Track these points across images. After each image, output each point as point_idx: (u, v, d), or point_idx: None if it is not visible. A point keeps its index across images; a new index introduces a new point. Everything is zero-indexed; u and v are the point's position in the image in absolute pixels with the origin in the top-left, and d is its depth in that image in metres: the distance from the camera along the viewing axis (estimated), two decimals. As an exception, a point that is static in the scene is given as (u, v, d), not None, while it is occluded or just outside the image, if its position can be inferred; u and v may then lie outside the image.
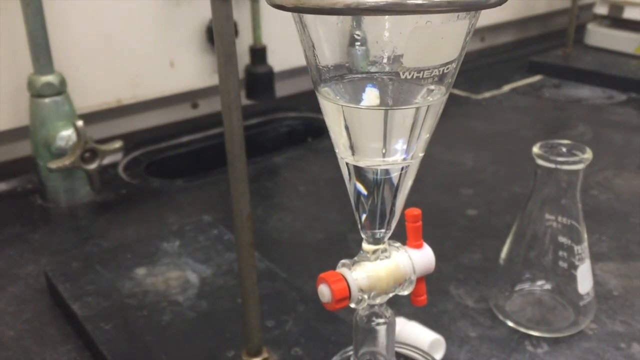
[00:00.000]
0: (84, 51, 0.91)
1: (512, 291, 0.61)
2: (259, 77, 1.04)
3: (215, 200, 0.85)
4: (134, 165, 0.96)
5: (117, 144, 0.79)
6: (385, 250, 0.35)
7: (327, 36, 0.32)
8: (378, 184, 0.34)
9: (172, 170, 0.98)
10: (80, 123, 0.75)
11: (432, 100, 0.32)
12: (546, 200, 0.58)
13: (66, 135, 0.78)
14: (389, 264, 0.35)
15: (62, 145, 0.78)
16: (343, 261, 0.35)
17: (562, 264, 0.59)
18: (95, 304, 0.59)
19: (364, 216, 0.35)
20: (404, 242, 0.37)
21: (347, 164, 0.34)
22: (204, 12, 1.00)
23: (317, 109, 1.22)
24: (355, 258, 0.35)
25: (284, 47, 1.10)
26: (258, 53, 1.03)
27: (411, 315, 0.59)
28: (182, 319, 0.57)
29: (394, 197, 0.35)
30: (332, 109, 0.33)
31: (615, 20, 1.39)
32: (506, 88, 1.26)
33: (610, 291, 0.64)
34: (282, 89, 1.16)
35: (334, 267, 0.70)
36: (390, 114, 0.32)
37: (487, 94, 1.23)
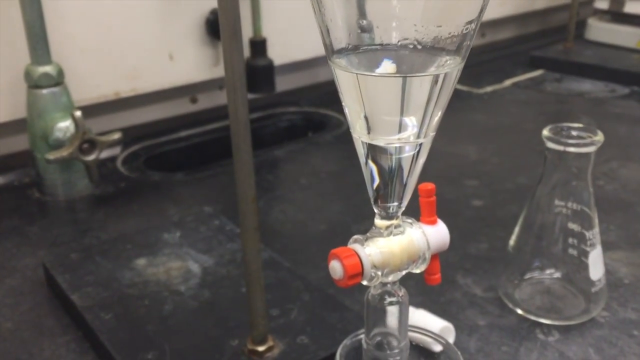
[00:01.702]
0: (82, 43, 0.90)
1: (521, 279, 0.60)
2: (259, 70, 1.03)
3: (216, 192, 0.84)
4: (132, 159, 0.94)
5: (116, 135, 0.78)
6: (398, 226, 0.34)
7: (340, 4, 0.31)
8: (392, 162, 0.33)
9: (171, 165, 0.97)
10: (78, 113, 0.74)
11: (449, 68, 0.31)
12: (556, 186, 0.56)
13: (64, 126, 0.77)
14: (403, 240, 0.33)
15: (60, 137, 0.77)
16: (355, 237, 0.34)
17: (572, 252, 0.57)
18: (95, 294, 0.57)
19: (377, 191, 0.34)
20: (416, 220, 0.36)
21: (362, 142, 0.33)
22: (204, 4, 0.99)
23: (317, 103, 1.20)
24: (368, 234, 0.34)
25: (284, 40, 1.09)
26: (258, 45, 1.02)
27: (419, 304, 0.57)
28: (184, 309, 0.55)
29: (408, 174, 0.34)
30: (348, 79, 0.32)
31: (616, 15, 1.39)
32: (508, 82, 1.25)
33: (620, 279, 0.63)
34: (282, 84, 1.15)
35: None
36: (407, 82, 0.30)
37: (488, 89, 1.22)
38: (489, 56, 1.42)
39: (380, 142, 0.33)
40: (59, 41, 0.86)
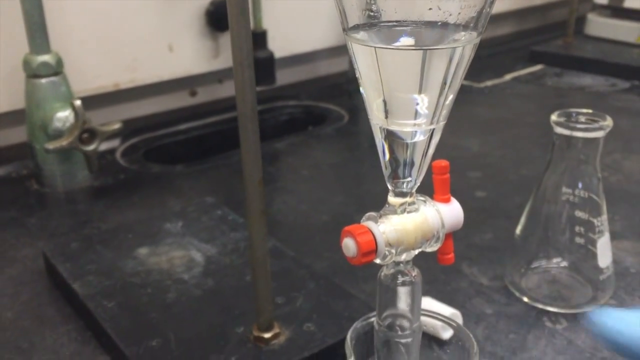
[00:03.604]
0: (81, 33, 0.89)
1: (527, 268, 0.60)
2: (259, 62, 1.02)
3: (217, 184, 0.83)
4: (131, 151, 0.93)
5: (116, 125, 0.77)
6: (412, 203, 0.33)
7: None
8: (407, 147, 0.33)
9: (170, 158, 0.96)
10: (78, 102, 0.73)
11: (467, 41, 0.30)
12: (564, 173, 0.56)
13: (63, 116, 0.76)
14: (417, 217, 0.33)
15: (59, 127, 0.76)
16: (369, 214, 0.33)
17: (579, 240, 0.57)
18: (97, 282, 0.56)
19: (391, 167, 0.33)
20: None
21: (380, 128, 0.33)
22: (204, -5, 0.98)
23: (317, 97, 1.19)
24: (381, 211, 0.33)
25: (284, 33, 1.08)
26: (258, 37, 1.01)
27: (424, 293, 0.57)
28: (188, 297, 0.54)
29: (422, 157, 0.33)
30: (365, 55, 0.31)
31: (616, 10, 1.38)
32: (508, 77, 1.25)
33: (627, 268, 0.63)
34: (282, 77, 1.14)
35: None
36: (427, 56, 0.30)
37: (489, 83, 1.21)
38: (489, 51, 1.41)
39: (396, 127, 0.32)
40: (58, 32, 0.85)
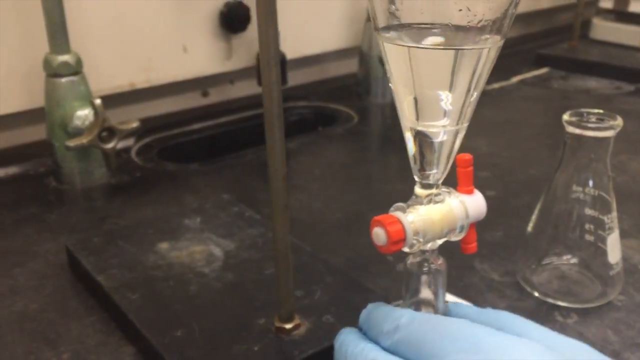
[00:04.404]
0: (98, 34, 0.91)
1: (538, 265, 0.61)
2: (271, 63, 1.03)
3: (232, 182, 0.85)
4: (146, 150, 0.95)
5: (135, 124, 0.79)
6: (438, 195, 0.35)
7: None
8: (435, 145, 0.35)
9: (183, 157, 0.97)
10: (98, 101, 0.75)
11: (491, 44, 0.32)
12: (575, 171, 0.57)
13: (83, 115, 0.77)
14: (443, 208, 0.34)
15: (79, 125, 0.77)
16: (397, 204, 0.35)
17: (589, 238, 0.58)
18: (121, 275, 0.58)
19: (419, 161, 0.35)
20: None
21: (410, 127, 0.34)
22: (218, -3, 1.00)
23: (327, 98, 1.21)
24: (409, 202, 0.35)
25: (296, 35, 1.10)
26: (270, 39, 1.03)
27: (439, 287, 0.58)
28: (209, 289, 0.56)
29: (448, 153, 0.35)
30: (398, 54, 0.32)
31: (620, 14, 1.40)
32: (514, 80, 1.27)
33: (635, 265, 0.64)
34: (293, 78, 1.16)
35: (357, 244, 0.69)
36: (458, 56, 0.31)
37: (496, 85, 1.23)
38: (495, 54, 1.43)
39: (425, 128, 0.34)
40: (74, 32, 0.86)
